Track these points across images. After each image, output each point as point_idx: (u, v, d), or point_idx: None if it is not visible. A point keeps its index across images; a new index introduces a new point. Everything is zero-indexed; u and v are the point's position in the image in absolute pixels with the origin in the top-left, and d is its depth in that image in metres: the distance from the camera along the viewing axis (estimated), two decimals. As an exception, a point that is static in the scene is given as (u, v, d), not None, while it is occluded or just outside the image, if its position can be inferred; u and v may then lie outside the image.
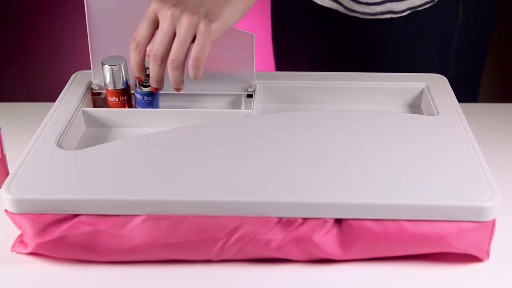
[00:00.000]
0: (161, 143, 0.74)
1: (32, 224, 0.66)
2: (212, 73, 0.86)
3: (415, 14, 1.02)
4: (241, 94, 0.88)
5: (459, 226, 0.66)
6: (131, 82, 0.86)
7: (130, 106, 0.86)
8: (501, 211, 0.67)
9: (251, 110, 0.82)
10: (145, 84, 0.83)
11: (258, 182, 0.68)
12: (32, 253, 0.69)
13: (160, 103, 0.87)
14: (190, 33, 0.72)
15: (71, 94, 0.85)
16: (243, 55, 0.84)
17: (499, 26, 1.16)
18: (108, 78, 0.83)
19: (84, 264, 0.68)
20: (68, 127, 0.79)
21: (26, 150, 0.73)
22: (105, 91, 0.86)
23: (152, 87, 0.78)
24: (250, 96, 0.87)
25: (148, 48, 0.76)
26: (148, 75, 0.79)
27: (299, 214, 0.66)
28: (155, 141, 0.75)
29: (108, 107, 0.85)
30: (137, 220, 0.66)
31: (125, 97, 0.85)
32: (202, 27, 0.72)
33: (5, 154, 0.79)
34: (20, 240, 0.70)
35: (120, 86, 0.84)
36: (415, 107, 0.90)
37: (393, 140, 0.75)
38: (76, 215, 0.66)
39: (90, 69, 0.88)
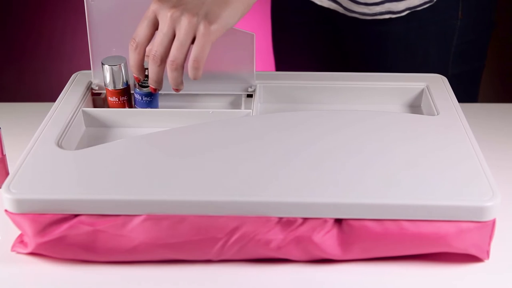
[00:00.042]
0: (161, 143, 0.74)
1: (32, 224, 0.66)
2: (212, 73, 0.86)
3: (414, 14, 1.02)
4: (241, 94, 0.88)
5: (459, 226, 0.66)
6: (131, 82, 0.86)
7: (130, 106, 0.86)
8: (501, 211, 0.67)
9: (251, 110, 0.82)
10: (144, 84, 0.83)
11: (258, 182, 0.68)
12: (32, 253, 0.69)
13: (160, 103, 0.87)
14: (189, 34, 0.72)
15: (71, 94, 0.85)
16: (243, 55, 0.84)
17: (499, 26, 1.16)
18: (108, 78, 0.83)
19: (84, 264, 0.68)
20: (68, 127, 0.79)
21: (26, 150, 0.73)
22: (105, 91, 0.86)
23: (151, 87, 0.78)
24: (250, 96, 0.87)
25: (147, 49, 0.76)
26: (147, 76, 0.79)
27: (299, 214, 0.66)
28: (155, 141, 0.75)
29: (108, 107, 0.85)
30: (137, 220, 0.66)
31: (125, 97, 0.85)
32: (201, 28, 0.72)
33: (5, 154, 0.79)
34: (20, 240, 0.70)
35: (120, 86, 0.84)
36: (415, 107, 0.90)
37: (393, 140, 0.75)
38: (76, 215, 0.66)
39: (90, 69, 0.88)
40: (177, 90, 0.77)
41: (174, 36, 0.73)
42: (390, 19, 1.03)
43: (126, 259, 0.68)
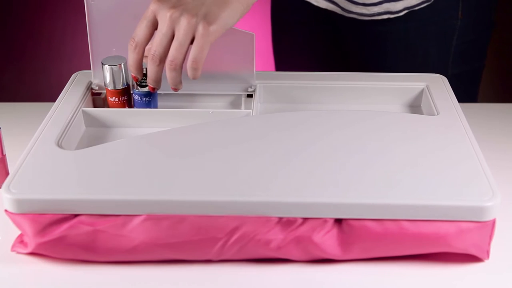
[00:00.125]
0: (161, 143, 0.74)
1: (32, 224, 0.66)
2: (212, 73, 0.86)
3: (414, 14, 1.02)
4: (241, 94, 0.88)
5: (459, 226, 0.66)
6: (131, 82, 0.85)
7: (130, 106, 0.86)
8: (501, 211, 0.67)
9: (251, 110, 0.82)
10: (142, 84, 0.82)
11: (258, 182, 0.68)
12: (32, 253, 0.69)
13: (160, 103, 0.87)
14: (188, 34, 0.73)
15: (71, 94, 0.85)
16: (243, 55, 0.84)
17: (499, 26, 1.16)
18: (108, 78, 0.83)
19: (84, 264, 0.68)
20: (68, 127, 0.79)
21: (26, 150, 0.73)
22: (105, 91, 0.86)
23: (150, 86, 0.78)
24: (250, 96, 0.87)
25: (146, 48, 0.76)
26: (145, 75, 0.79)
27: (299, 214, 0.66)
28: (155, 141, 0.75)
29: (108, 107, 0.85)
30: (137, 220, 0.66)
31: (125, 97, 0.85)
32: (200, 29, 0.72)
33: (5, 154, 0.79)
34: (20, 240, 0.70)
35: (120, 86, 0.84)
36: (415, 107, 0.90)
37: (393, 140, 0.75)
38: (76, 215, 0.66)
39: (90, 69, 0.88)
40: (175, 89, 0.77)
41: (173, 36, 0.73)
42: (389, 19, 1.03)
43: (126, 259, 0.68)
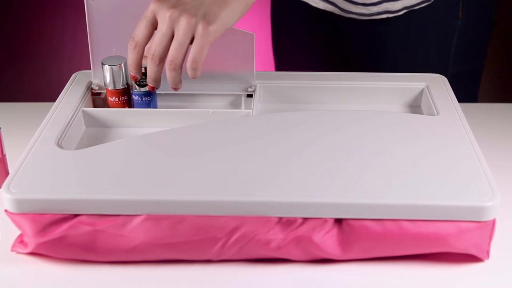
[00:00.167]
0: (161, 143, 0.74)
1: (32, 224, 0.66)
2: (212, 73, 0.86)
3: (415, 14, 1.02)
4: (241, 94, 0.88)
5: (459, 226, 0.66)
6: (131, 82, 0.86)
7: (130, 106, 0.86)
8: (501, 211, 0.67)
9: (251, 110, 0.82)
10: (141, 83, 0.82)
11: (258, 182, 0.68)
12: (32, 253, 0.69)
13: (160, 103, 0.87)
14: (188, 34, 0.73)
15: (71, 94, 0.85)
16: (243, 55, 0.84)
17: (499, 26, 1.16)
18: (108, 78, 0.83)
19: (84, 264, 0.68)
20: (68, 127, 0.79)
21: (26, 150, 0.73)
22: (105, 91, 0.86)
23: (149, 86, 0.78)
24: (250, 96, 0.87)
25: (146, 48, 0.76)
26: (144, 74, 0.79)
27: (299, 214, 0.66)
28: (155, 141, 0.75)
29: (108, 107, 0.85)
30: (137, 220, 0.66)
31: (125, 97, 0.85)
32: (200, 29, 0.72)
33: (5, 154, 0.79)
34: (20, 240, 0.70)
35: (120, 86, 0.84)
36: (415, 107, 0.90)
37: (393, 140, 0.75)
38: (76, 215, 0.66)
39: (90, 69, 0.88)
40: (175, 88, 0.77)
41: (173, 36, 0.73)
42: (388, 19, 1.03)
43: (126, 259, 0.68)
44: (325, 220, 0.66)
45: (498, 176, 0.72)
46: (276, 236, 0.66)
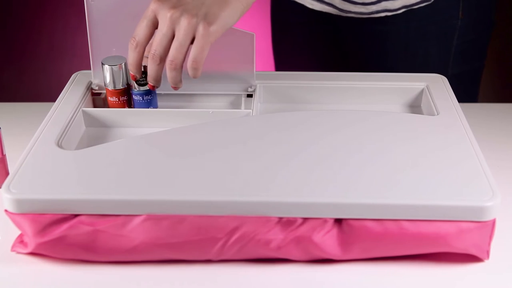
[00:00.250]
0: (161, 143, 0.74)
1: (32, 224, 0.66)
2: (212, 73, 0.86)
3: (415, 14, 1.02)
4: (241, 94, 0.88)
5: (459, 226, 0.66)
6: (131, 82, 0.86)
7: (130, 106, 0.86)
8: (501, 211, 0.67)
9: (251, 110, 0.82)
10: (141, 82, 0.82)
11: (258, 182, 0.68)
12: (32, 253, 0.69)
13: (160, 103, 0.87)
14: (189, 35, 0.73)
15: (71, 94, 0.85)
16: (243, 55, 0.84)
17: (499, 26, 1.16)
18: (108, 78, 0.83)
19: (84, 264, 0.68)
20: (68, 127, 0.79)
21: (26, 150, 0.73)
22: (105, 91, 0.86)
23: (150, 85, 0.78)
24: (250, 96, 0.87)
25: (146, 47, 0.76)
26: (143, 73, 0.79)
27: (299, 214, 0.66)
28: (155, 141, 0.75)
29: (108, 107, 0.85)
30: (137, 220, 0.66)
31: (125, 97, 0.85)
32: (201, 29, 0.72)
33: (5, 154, 0.79)
34: (20, 240, 0.70)
35: (120, 86, 0.84)
36: (415, 107, 0.90)
37: (393, 140, 0.75)
38: (76, 215, 0.66)
39: (90, 69, 0.88)
40: (175, 88, 0.77)
41: (173, 36, 0.74)
42: (388, 18, 1.03)
43: (126, 259, 0.68)
44: (325, 220, 0.66)
45: (498, 176, 0.72)
46: (276, 236, 0.66)
